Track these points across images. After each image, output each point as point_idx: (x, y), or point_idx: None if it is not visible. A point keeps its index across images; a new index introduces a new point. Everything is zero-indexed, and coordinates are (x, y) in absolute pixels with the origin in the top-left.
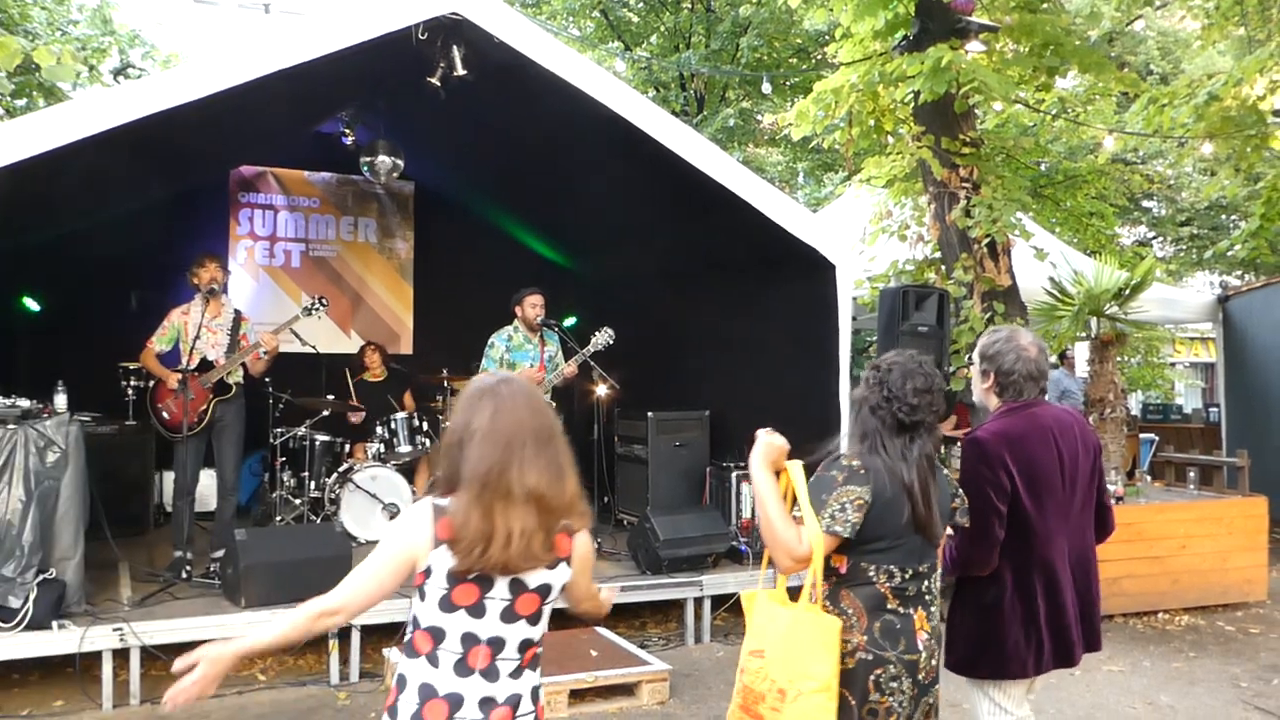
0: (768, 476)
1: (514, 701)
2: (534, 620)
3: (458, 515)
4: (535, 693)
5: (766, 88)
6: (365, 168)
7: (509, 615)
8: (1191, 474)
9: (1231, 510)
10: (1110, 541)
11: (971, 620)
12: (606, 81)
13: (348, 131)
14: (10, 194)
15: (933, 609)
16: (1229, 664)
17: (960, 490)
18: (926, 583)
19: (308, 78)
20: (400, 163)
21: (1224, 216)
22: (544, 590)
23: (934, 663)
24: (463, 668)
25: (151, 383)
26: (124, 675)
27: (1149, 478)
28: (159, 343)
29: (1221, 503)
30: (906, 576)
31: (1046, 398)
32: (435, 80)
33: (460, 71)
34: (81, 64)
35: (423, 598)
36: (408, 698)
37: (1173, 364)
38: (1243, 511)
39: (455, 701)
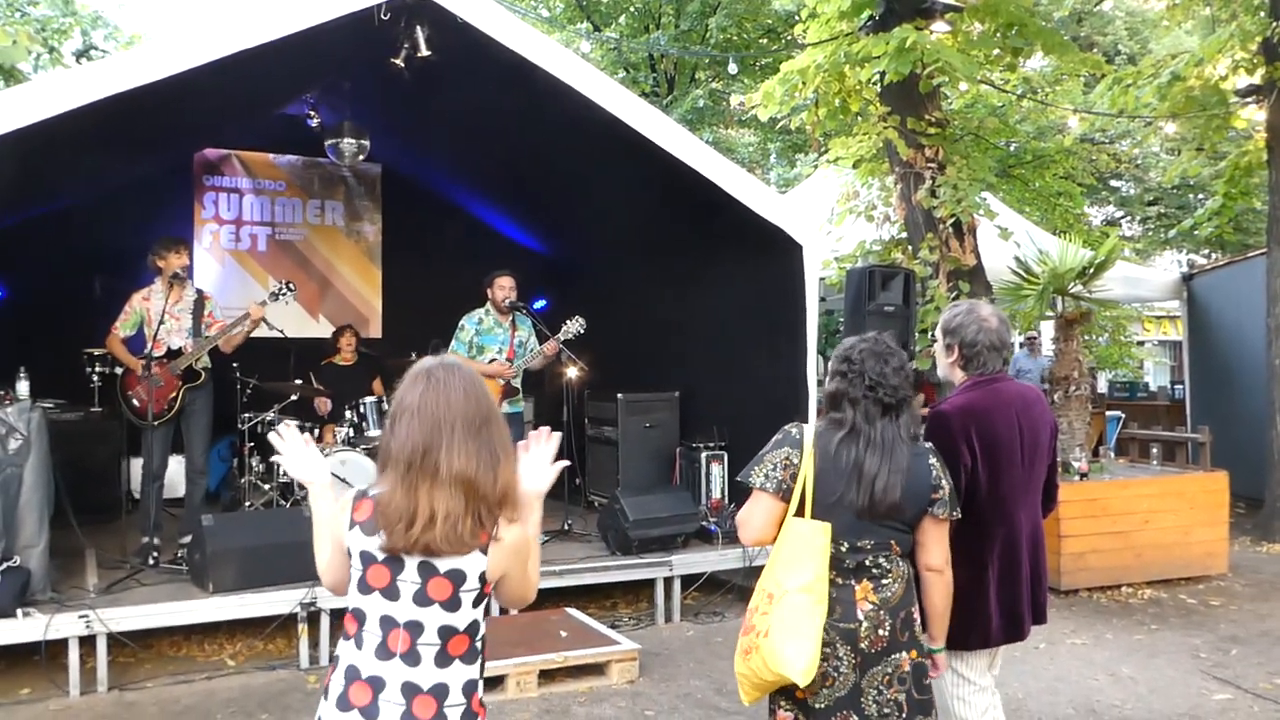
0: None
1: (440, 692)
2: (450, 607)
3: (382, 495)
4: (469, 687)
5: (733, 68)
6: (331, 150)
7: (422, 599)
8: (1154, 450)
9: (1193, 485)
10: (1075, 517)
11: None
12: (572, 63)
13: (313, 114)
14: None
15: (884, 581)
16: (1190, 635)
17: (944, 481)
18: (872, 558)
19: (271, 58)
20: (366, 145)
21: (1192, 196)
22: (456, 576)
23: (882, 634)
24: (384, 651)
25: (120, 370)
26: (91, 662)
27: (1112, 454)
28: (123, 328)
29: (1183, 478)
30: (843, 549)
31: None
32: (399, 61)
33: (424, 53)
34: (41, 45)
35: (350, 580)
36: (337, 678)
37: (1141, 343)
38: (1204, 486)
39: (378, 685)
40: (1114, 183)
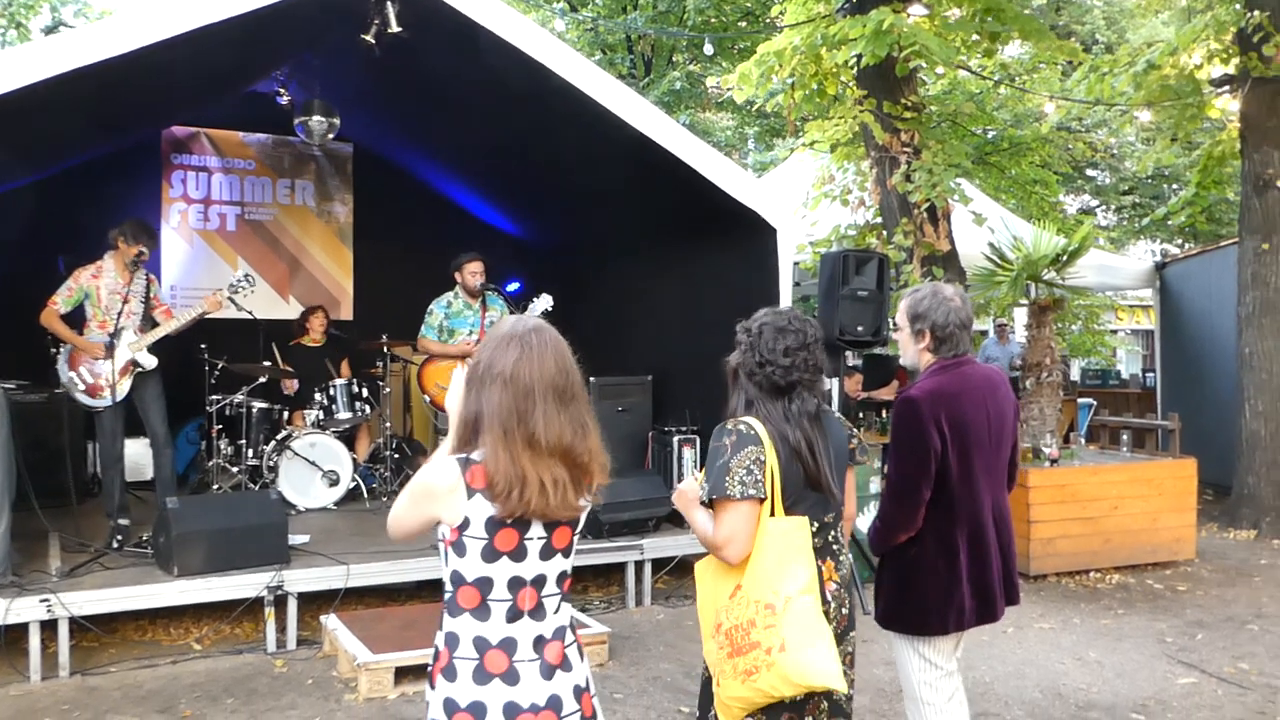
0: (696, 512)
1: (560, 634)
2: (568, 552)
3: (488, 460)
4: (572, 621)
5: (709, 49)
6: (300, 128)
7: (547, 552)
8: (1124, 437)
9: (1162, 472)
10: (1044, 503)
11: (893, 575)
12: (546, 41)
13: (282, 91)
14: None
15: (841, 559)
16: (1156, 620)
17: (852, 429)
18: (832, 533)
19: (239, 33)
20: (336, 123)
21: (1166, 185)
22: (574, 521)
23: (845, 611)
24: (513, 612)
25: (61, 349)
26: (53, 647)
27: (1083, 440)
28: (64, 304)
29: (1152, 464)
30: (813, 530)
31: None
32: (369, 38)
33: (395, 29)
34: (8, 21)
35: (461, 553)
36: (464, 653)
37: (1114, 331)
38: (1172, 473)
39: (510, 646)
40: (1089, 171)
